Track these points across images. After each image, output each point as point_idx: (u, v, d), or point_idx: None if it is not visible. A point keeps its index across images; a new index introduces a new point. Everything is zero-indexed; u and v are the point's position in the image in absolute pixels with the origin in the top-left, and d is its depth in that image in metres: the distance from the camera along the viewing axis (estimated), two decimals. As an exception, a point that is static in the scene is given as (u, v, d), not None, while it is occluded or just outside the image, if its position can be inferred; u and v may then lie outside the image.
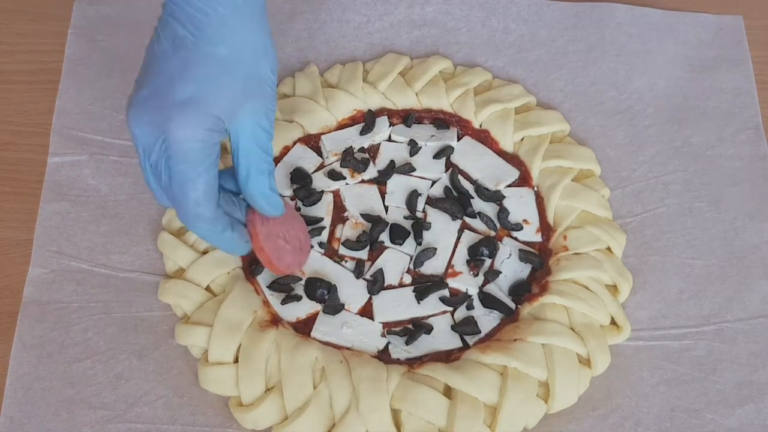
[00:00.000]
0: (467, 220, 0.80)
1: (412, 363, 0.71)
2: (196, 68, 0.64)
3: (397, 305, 0.75)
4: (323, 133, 0.84)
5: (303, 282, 0.75)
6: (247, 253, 0.71)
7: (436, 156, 0.83)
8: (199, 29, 0.64)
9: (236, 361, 0.71)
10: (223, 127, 0.65)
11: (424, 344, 0.73)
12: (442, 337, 0.73)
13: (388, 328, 0.74)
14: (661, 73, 0.90)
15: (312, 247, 0.77)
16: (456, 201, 0.80)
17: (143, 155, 0.65)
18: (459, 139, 0.85)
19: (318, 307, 0.74)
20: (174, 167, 0.64)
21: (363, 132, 0.84)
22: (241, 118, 0.65)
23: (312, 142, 0.84)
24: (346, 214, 0.80)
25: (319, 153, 0.84)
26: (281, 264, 0.71)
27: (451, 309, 0.75)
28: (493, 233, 0.79)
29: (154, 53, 0.66)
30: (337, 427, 0.68)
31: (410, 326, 0.74)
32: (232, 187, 0.69)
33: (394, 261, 0.77)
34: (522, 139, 0.84)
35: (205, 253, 0.76)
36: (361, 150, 0.84)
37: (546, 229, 0.79)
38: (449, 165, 0.83)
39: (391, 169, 0.82)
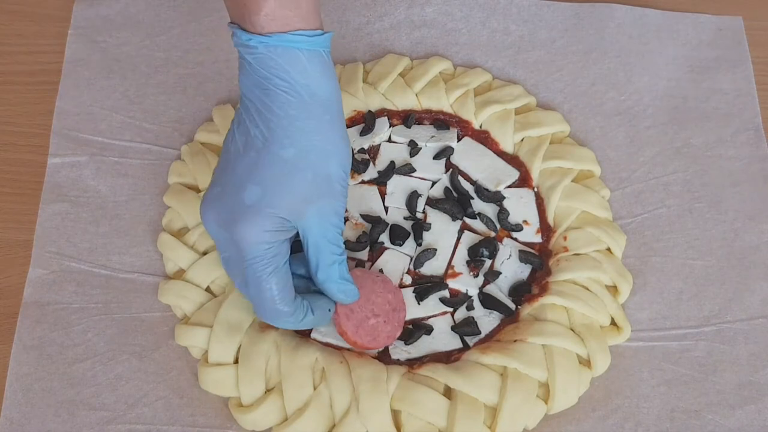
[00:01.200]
0: (467, 220, 0.80)
1: (412, 364, 0.71)
2: (264, 170, 0.64)
3: (397, 306, 0.75)
4: (323, 134, 0.84)
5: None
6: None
7: (436, 157, 0.83)
8: (270, 130, 0.64)
9: (236, 361, 0.71)
10: (290, 225, 0.65)
11: (424, 345, 0.73)
12: (442, 338, 0.73)
13: (388, 328, 0.74)
14: (661, 74, 0.90)
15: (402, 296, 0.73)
16: (456, 202, 0.80)
17: (220, 250, 0.67)
18: (459, 139, 0.84)
19: (318, 307, 0.74)
20: (246, 269, 0.64)
21: (363, 133, 0.84)
22: (308, 217, 0.65)
23: (312, 142, 0.84)
24: (346, 214, 0.80)
25: (319, 154, 0.83)
26: (380, 343, 0.70)
27: (451, 310, 0.75)
28: (493, 234, 0.79)
29: (228, 150, 0.66)
30: (337, 427, 0.68)
31: (410, 327, 0.74)
32: (304, 272, 0.70)
33: (394, 262, 0.77)
34: (522, 140, 0.84)
35: (205, 254, 0.76)
36: (361, 151, 0.84)
37: (546, 229, 0.79)
38: (449, 166, 0.83)
39: (391, 169, 0.82)
